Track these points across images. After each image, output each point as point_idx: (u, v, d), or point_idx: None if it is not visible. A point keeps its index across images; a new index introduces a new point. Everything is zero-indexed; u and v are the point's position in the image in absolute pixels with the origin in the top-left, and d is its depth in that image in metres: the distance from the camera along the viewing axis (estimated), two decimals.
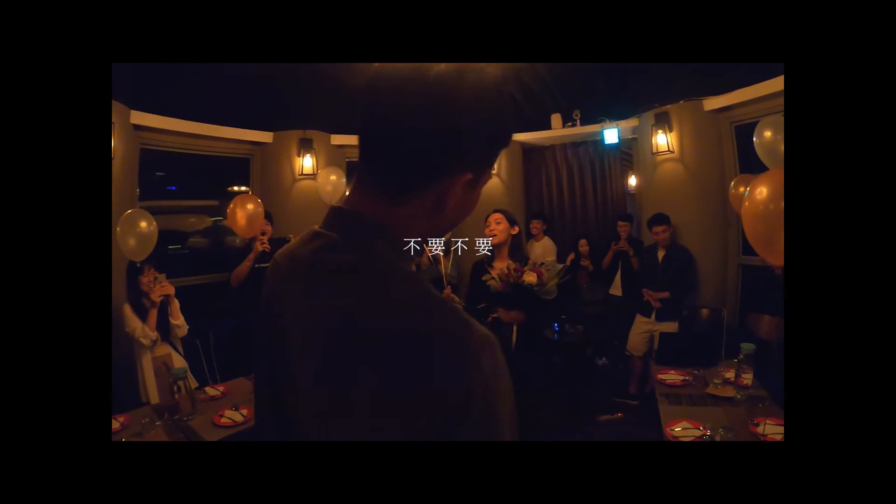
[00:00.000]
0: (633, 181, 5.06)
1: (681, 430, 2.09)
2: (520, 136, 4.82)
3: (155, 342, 2.86)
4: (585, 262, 4.73)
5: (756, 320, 4.06)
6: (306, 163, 4.57)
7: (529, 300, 2.67)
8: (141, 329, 2.80)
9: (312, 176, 4.60)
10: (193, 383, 2.82)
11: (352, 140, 4.83)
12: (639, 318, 4.20)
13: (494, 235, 2.80)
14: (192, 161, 4.40)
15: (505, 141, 0.62)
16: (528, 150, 5.12)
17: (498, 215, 2.85)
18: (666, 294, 3.99)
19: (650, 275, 4.14)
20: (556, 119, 4.75)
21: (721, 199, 4.19)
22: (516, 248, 2.87)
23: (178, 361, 2.92)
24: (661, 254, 4.11)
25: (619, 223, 4.57)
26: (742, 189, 3.55)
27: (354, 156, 4.76)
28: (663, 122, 4.18)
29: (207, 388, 2.77)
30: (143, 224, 2.93)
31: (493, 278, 2.77)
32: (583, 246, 4.81)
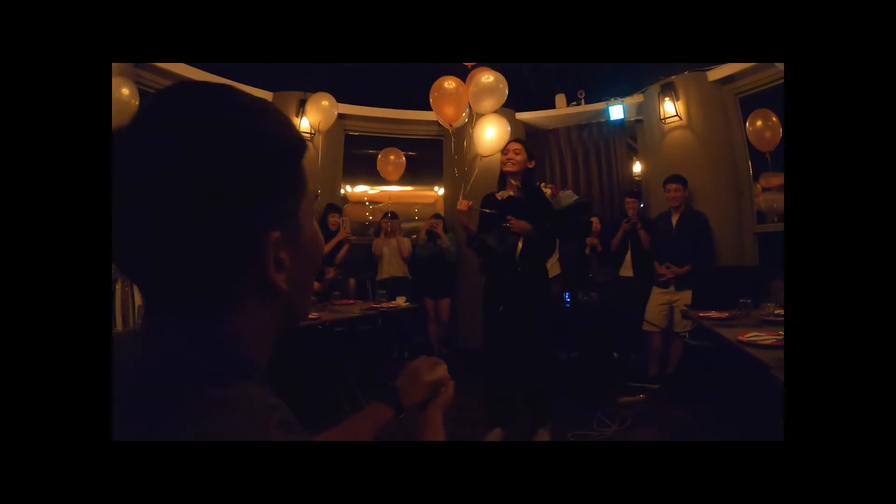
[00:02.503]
0: (638, 168, 4.99)
1: (754, 335, 1.86)
2: (523, 116, 4.79)
3: None
4: (593, 241, 4.45)
5: (780, 287, 3.79)
6: (304, 123, 4.40)
7: (541, 207, 2.74)
8: None
9: (309, 136, 4.42)
10: (140, 300, 2.39)
11: (353, 109, 4.72)
12: (656, 290, 3.90)
13: (514, 164, 2.77)
14: None
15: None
16: (532, 133, 5.06)
17: (517, 145, 2.85)
18: (687, 268, 3.73)
19: (664, 241, 3.90)
20: (560, 99, 4.77)
21: (731, 169, 4.11)
22: (529, 180, 2.86)
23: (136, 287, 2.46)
24: (674, 218, 3.90)
25: (627, 199, 4.39)
26: (759, 123, 3.47)
27: (353, 128, 4.66)
28: (669, 90, 4.19)
29: None
30: (125, 91, 2.65)
31: (504, 191, 2.81)
32: (594, 224, 4.51)
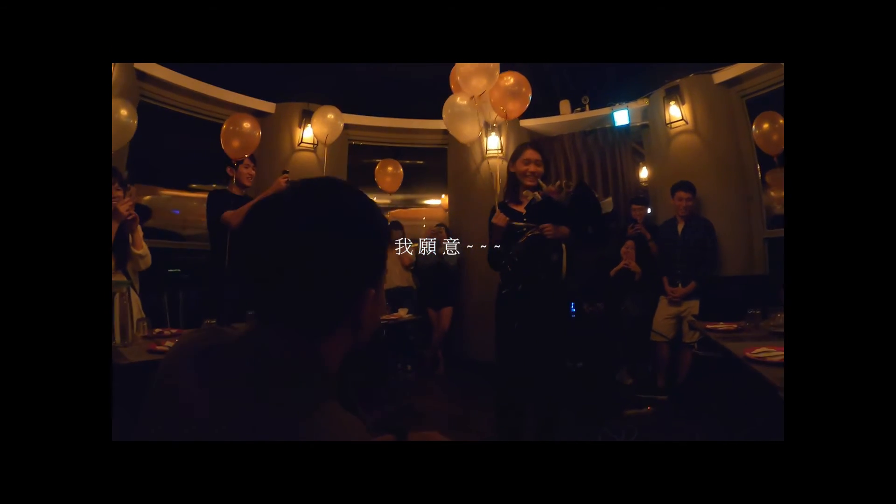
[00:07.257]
0: (644, 174, 4.92)
1: (763, 352, 1.72)
2: (527, 123, 4.75)
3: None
4: (634, 265, 4.04)
5: None
6: (307, 133, 4.40)
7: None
8: None
9: (311, 147, 4.42)
10: (139, 314, 2.39)
11: (358, 119, 4.70)
12: (664, 301, 3.81)
13: (535, 178, 2.54)
14: (190, 125, 4.22)
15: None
16: (536, 140, 5.01)
17: (536, 154, 2.59)
18: (692, 285, 3.66)
19: (669, 251, 3.82)
20: (564, 105, 4.72)
21: (739, 174, 4.03)
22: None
23: (134, 299, 2.42)
24: (680, 226, 3.82)
25: (634, 206, 4.33)
26: (766, 126, 3.39)
27: (357, 138, 4.62)
28: (674, 94, 4.13)
29: (163, 329, 2.42)
30: (124, 112, 2.66)
31: (535, 196, 2.53)
32: (628, 252, 4.08)
